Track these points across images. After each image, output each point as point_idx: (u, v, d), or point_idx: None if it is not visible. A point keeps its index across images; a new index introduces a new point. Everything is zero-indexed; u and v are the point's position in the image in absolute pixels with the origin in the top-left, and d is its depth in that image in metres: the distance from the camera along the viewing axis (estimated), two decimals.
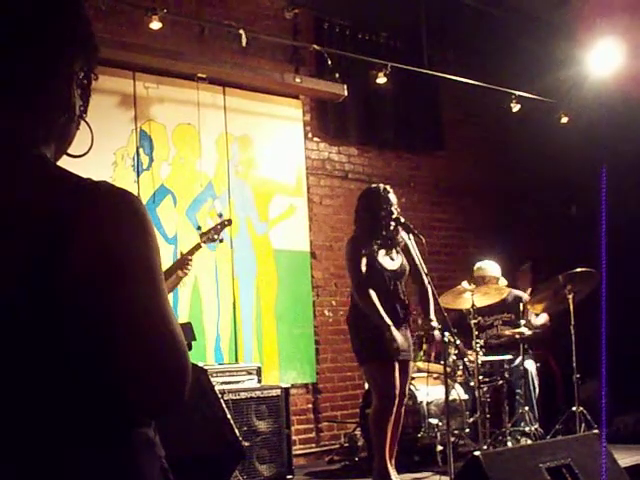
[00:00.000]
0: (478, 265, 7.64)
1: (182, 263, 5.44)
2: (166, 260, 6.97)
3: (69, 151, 1.51)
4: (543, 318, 7.53)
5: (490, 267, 7.62)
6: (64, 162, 1.50)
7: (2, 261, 1.28)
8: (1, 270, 1.27)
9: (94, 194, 1.32)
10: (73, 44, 1.44)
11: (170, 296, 5.97)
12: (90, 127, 1.50)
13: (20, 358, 1.28)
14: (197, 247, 5.50)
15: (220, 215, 5.97)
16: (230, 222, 5.81)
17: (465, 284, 6.83)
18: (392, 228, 5.82)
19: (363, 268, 5.73)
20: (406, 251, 5.90)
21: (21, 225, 1.28)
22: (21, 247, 1.27)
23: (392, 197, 5.90)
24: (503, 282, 7.65)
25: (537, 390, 7.32)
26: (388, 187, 5.98)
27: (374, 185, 6.17)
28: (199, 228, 5.83)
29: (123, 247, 1.30)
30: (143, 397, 1.31)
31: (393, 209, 5.83)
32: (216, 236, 5.60)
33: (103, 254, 1.28)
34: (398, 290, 5.83)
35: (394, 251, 5.86)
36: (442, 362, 5.97)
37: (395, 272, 5.82)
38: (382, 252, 5.82)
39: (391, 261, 5.83)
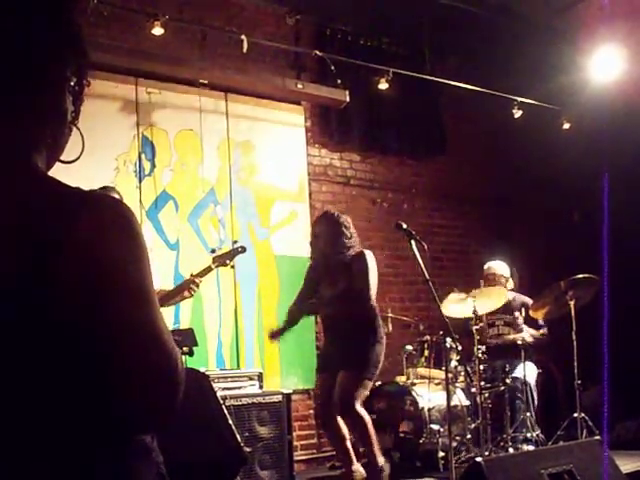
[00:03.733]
0: (488, 264, 7.68)
1: (190, 284, 5.47)
2: (168, 266, 6.98)
3: (62, 157, 1.51)
4: (539, 332, 7.48)
5: (499, 266, 7.66)
6: (64, 165, 1.50)
7: None
8: None
9: (83, 206, 1.31)
10: (64, 50, 1.44)
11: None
12: (81, 133, 1.50)
13: (12, 369, 1.28)
14: (208, 270, 5.57)
15: (235, 242, 6.08)
16: (244, 249, 5.90)
17: (454, 295, 6.85)
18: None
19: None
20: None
21: (10, 237, 1.28)
22: (10, 259, 1.27)
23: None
24: (511, 284, 7.66)
25: (536, 396, 7.30)
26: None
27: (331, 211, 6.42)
28: (213, 251, 5.90)
29: (112, 258, 1.30)
30: (136, 405, 1.31)
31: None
32: (228, 261, 5.70)
33: (92, 266, 1.28)
34: None
35: None
36: (443, 368, 5.98)
37: None
38: None
39: None
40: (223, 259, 5.69)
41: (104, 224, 1.31)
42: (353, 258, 5.96)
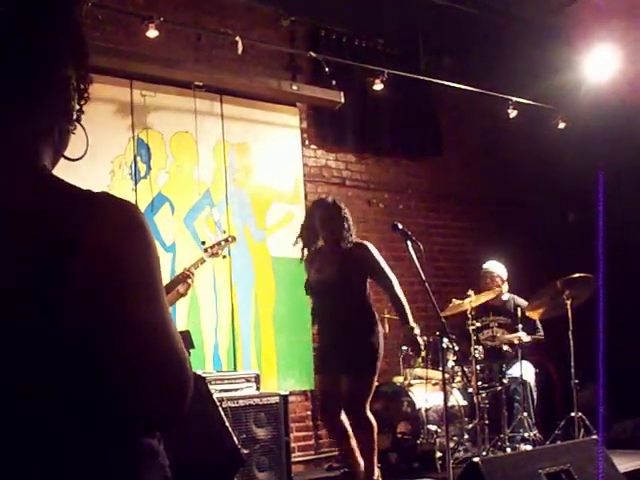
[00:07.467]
0: (485, 266, 7.69)
1: (184, 278, 5.46)
2: (164, 268, 6.96)
3: (65, 153, 1.51)
4: (535, 336, 7.47)
5: (496, 268, 7.66)
6: (61, 167, 1.49)
7: (2, 276, 1.28)
8: (1, 285, 1.27)
9: (94, 207, 1.32)
10: (67, 50, 1.44)
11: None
12: (85, 130, 1.50)
13: (25, 369, 1.28)
14: (201, 262, 5.56)
15: (224, 231, 6.02)
16: (234, 239, 5.90)
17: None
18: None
19: None
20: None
21: (24, 237, 1.29)
22: (25, 260, 1.28)
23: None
24: (506, 286, 7.65)
25: (535, 396, 7.31)
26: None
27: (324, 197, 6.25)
28: (203, 243, 5.90)
29: (125, 260, 1.31)
30: (145, 407, 1.32)
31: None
32: (220, 251, 5.69)
33: (106, 267, 1.29)
34: None
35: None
36: (440, 368, 5.98)
37: None
38: None
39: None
40: (215, 250, 5.68)
41: (116, 226, 1.32)
42: (355, 249, 5.73)
